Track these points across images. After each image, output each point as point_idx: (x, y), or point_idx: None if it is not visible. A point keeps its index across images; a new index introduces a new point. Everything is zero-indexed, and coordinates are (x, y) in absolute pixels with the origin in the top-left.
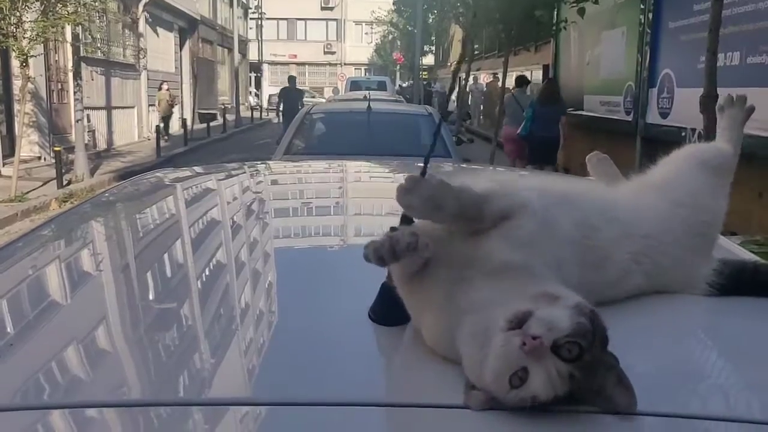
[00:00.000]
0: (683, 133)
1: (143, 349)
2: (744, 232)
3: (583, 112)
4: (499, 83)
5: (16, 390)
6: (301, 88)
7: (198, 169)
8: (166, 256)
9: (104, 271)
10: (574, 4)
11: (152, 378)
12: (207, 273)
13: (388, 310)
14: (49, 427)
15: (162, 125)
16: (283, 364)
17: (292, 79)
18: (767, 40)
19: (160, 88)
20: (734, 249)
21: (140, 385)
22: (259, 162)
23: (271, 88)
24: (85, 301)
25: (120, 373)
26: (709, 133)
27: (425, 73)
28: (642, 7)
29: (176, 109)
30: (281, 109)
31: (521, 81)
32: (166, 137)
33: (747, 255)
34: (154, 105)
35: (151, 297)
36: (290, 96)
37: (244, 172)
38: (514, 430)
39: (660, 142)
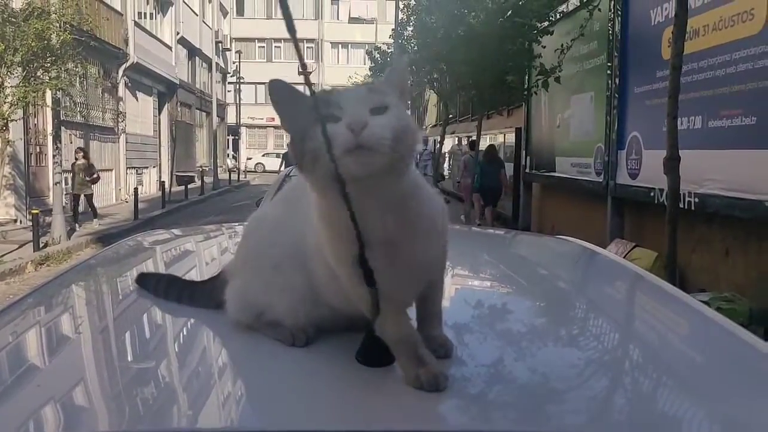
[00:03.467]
0: (652, 193)
1: (135, 396)
2: (712, 288)
3: (555, 174)
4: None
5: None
6: None
7: (177, 231)
8: (150, 317)
9: (95, 333)
10: (539, 78)
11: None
12: (190, 330)
13: (373, 353)
14: None
15: (76, 205)
16: (279, 398)
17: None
18: (726, 105)
19: (76, 158)
20: (700, 307)
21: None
22: (236, 223)
23: (248, 150)
24: (73, 361)
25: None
26: (673, 193)
27: None
28: (608, 72)
29: (101, 187)
30: (284, 167)
31: (473, 144)
32: (76, 223)
33: (714, 314)
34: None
35: (136, 355)
36: (290, 159)
37: (223, 234)
38: None
39: (630, 201)
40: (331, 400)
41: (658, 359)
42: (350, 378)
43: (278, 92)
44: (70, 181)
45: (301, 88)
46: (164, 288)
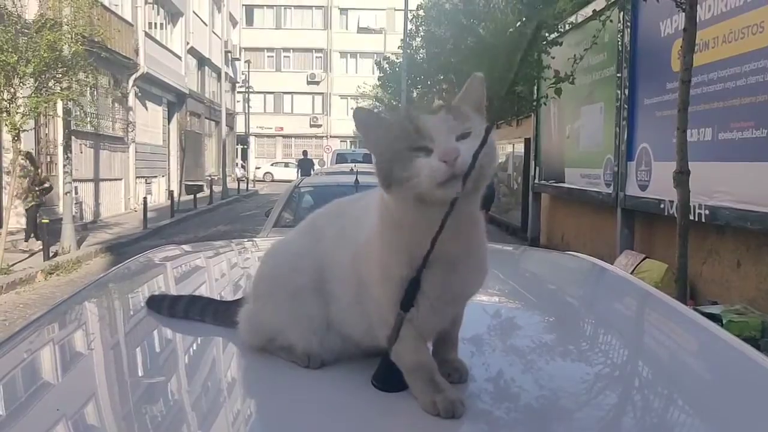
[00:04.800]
0: (662, 205)
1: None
2: (724, 301)
3: (564, 184)
4: None
5: None
6: (311, 158)
7: (188, 248)
8: (166, 335)
9: (110, 352)
10: (553, 84)
11: None
12: (205, 349)
13: (390, 378)
14: None
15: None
16: (292, 419)
17: (305, 153)
18: (736, 117)
19: (25, 168)
20: (708, 325)
21: None
22: (246, 239)
23: (257, 160)
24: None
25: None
26: (683, 207)
27: None
28: (618, 83)
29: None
30: (299, 174)
31: None
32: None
33: (722, 332)
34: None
35: (151, 373)
36: (305, 165)
37: (233, 250)
38: None
39: (640, 213)
40: (345, 424)
41: (667, 377)
42: (365, 402)
43: (363, 119)
44: (18, 193)
45: (309, 97)
46: (184, 308)
